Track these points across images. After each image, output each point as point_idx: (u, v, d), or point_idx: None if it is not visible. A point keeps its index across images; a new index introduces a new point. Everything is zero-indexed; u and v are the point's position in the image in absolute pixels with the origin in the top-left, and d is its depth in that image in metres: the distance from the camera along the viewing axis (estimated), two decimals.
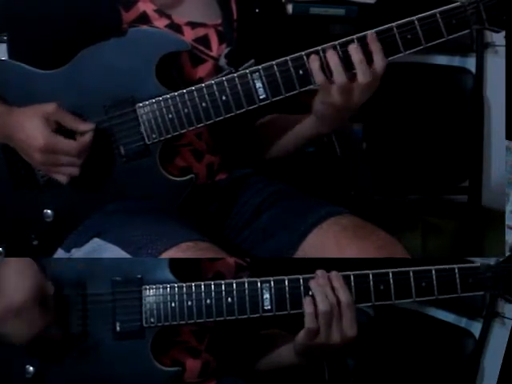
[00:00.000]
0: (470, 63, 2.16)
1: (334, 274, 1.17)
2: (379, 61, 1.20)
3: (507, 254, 1.67)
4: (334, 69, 1.20)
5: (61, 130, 1.20)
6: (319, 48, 1.21)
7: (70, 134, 1.21)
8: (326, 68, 1.20)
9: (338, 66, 1.20)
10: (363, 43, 1.20)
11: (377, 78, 1.20)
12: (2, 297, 1.08)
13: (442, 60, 2.19)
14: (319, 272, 1.17)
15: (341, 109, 1.23)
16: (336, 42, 1.21)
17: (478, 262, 1.21)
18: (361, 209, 1.44)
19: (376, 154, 2.13)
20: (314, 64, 1.20)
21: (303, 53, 1.22)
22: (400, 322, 1.81)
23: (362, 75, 1.19)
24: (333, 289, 1.16)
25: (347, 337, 1.16)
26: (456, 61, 2.19)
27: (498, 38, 2.00)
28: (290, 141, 1.39)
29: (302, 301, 1.16)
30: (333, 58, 1.20)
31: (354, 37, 1.21)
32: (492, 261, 1.20)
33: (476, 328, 1.79)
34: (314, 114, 1.29)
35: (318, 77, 1.20)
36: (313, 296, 1.16)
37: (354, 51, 1.20)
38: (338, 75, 1.20)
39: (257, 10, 1.37)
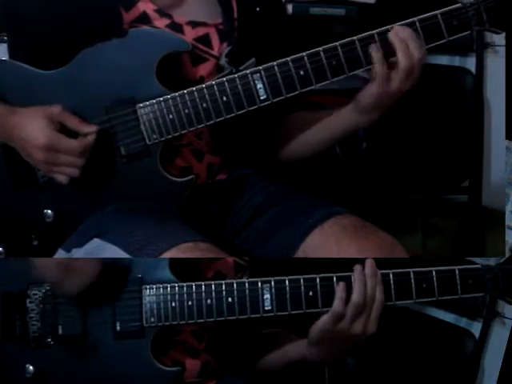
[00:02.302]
0: (470, 63, 2.16)
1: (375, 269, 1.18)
2: (416, 46, 1.20)
3: (507, 254, 1.67)
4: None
5: (63, 131, 1.20)
6: (320, 49, 1.21)
7: (73, 136, 1.21)
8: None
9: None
10: (365, 43, 1.21)
11: (416, 61, 1.21)
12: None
13: (442, 60, 2.19)
14: (369, 262, 1.17)
15: (392, 97, 1.25)
16: (337, 43, 1.21)
17: (479, 263, 1.21)
18: (361, 209, 1.44)
19: (376, 153, 2.12)
20: (376, 53, 1.21)
21: (304, 54, 1.22)
22: (400, 322, 1.81)
23: (403, 57, 1.20)
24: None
25: (367, 333, 1.16)
26: (456, 61, 2.19)
27: (498, 38, 2.00)
28: (323, 136, 1.37)
29: (303, 301, 1.16)
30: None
31: (354, 38, 1.22)
32: (492, 262, 1.21)
33: (476, 328, 1.79)
34: (360, 106, 1.28)
35: (379, 65, 1.21)
36: (348, 282, 1.16)
37: (393, 35, 1.20)
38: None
39: (257, 9, 1.37)
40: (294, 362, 1.29)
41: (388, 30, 1.22)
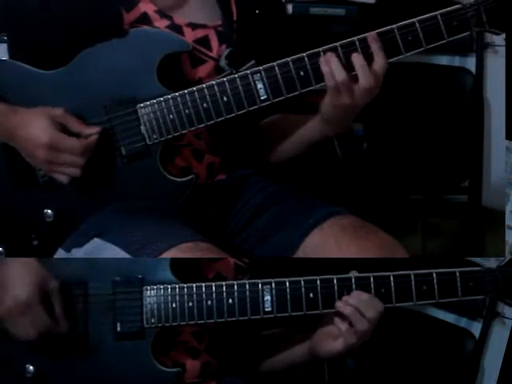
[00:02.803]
0: (470, 63, 2.16)
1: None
2: (380, 60, 1.20)
3: (507, 254, 1.67)
4: (334, 69, 1.20)
5: (65, 132, 1.20)
6: (320, 49, 1.22)
7: (75, 136, 1.21)
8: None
9: (337, 66, 1.20)
10: (364, 45, 1.21)
11: (378, 78, 1.21)
12: (7, 295, 1.10)
13: (442, 60, 2.19)
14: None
15: (348, 110, 1.24)
16: (337, 44, 1.22)
17: (479, 265, 1.21)
18: (361, 209, 1.44)
19: (376, 153, 2.12)
20: (324, 68, 1.21)
21: (304, 54, 1.22)
22: (400, 322, 1.81)
23: (363, 80, 1.20)
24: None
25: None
26: (456, 61, 2.19)
27: (498, 38, 2.00)
28: (293, 143, 1.39)
29: (303, 302, 1.16)
30: (332, 60, 1.20)
31: (355, 38, 1.21)
32: (493, 264, 1.20)
33: (476, 328, 1.79)
34: (321, 116, 1.29)
35: (329, 78, 1.21)
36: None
37: (356, 57, 1.21)
38: (339, 75, 1.20)
39: (257, 11, 1.38)
40: (301, 363, 1.29)
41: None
